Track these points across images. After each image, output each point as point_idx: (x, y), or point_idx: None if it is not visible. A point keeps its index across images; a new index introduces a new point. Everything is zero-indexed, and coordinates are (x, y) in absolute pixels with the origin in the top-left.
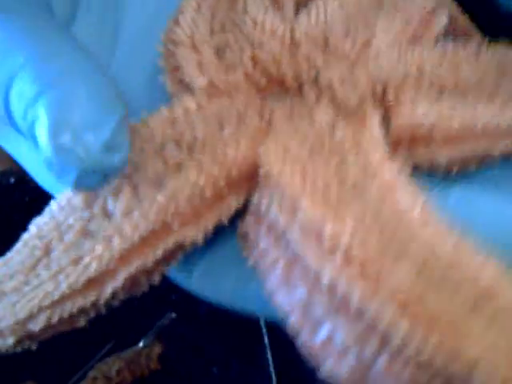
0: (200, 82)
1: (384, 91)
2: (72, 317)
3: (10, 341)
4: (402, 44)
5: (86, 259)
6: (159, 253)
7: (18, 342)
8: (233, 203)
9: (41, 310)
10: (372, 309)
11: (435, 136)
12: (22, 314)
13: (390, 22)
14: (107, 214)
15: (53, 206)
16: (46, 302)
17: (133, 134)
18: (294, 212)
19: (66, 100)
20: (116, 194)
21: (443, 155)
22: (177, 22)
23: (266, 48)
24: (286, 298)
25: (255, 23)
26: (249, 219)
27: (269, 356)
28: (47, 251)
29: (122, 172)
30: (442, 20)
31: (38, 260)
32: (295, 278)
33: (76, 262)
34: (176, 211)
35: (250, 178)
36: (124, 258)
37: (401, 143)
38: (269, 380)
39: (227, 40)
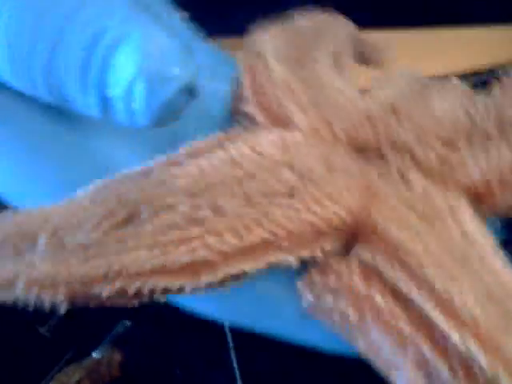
0: (303, 121)
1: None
2: (138, 295)
3: (61, 297)
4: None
5: (195, 243)
6: (259, 266)
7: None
8: (328, 244)
9: (118, 275)
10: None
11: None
12: (93, 272)
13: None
14: (217, 210)
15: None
16: (131, 270)
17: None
18: (420, 279)
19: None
20: (228, 194)
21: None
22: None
23: (348, 116)
24: (401, 353)
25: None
26: (355, 274)
27: (233, 358)
28: (135, 218)
29: None
30: None
31: (122, 223)
32: (419, 338)
33: (181, 242)
34: (288, 229)
35: (353, 229)
36: (228, 256)
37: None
38: (234, 382)
39: (317, 95)
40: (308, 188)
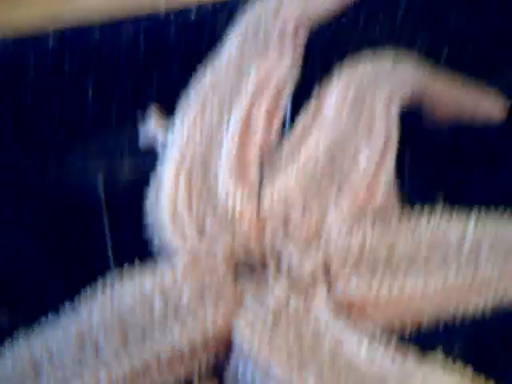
0: (184, 258)
1: (329, 267)
2: None
3: None
4: (351, 220)
5: None
6: None
7: None
8: (203, 363)
9: None
10: None
11: (368, 304)
12: None
13: (340, 196)
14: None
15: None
16: None
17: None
18: (267, 376)
19: None
20: (109, 333)
21: (378, 320)
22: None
23: (238, 232)
24: None
25: (227, 195)
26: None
27: None
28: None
29: None
30: (385, 186)
31: None
32: None
33: None
34: (159, 360)
35: (222, 343)
36: None
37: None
38: None
39: (205, 214)
40: (175, 316)
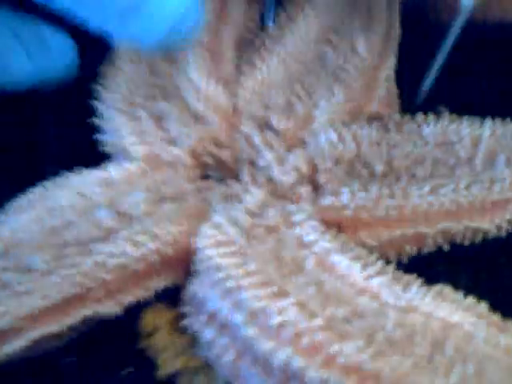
0: (140, 150)
1: (315, 170)
2: None
3: None
4: (341, 120)
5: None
6: (74, 321)
7: None
8: (160, 282)
9: None
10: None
11: (361, 220)
12: None
13: (331, 91)
14: (25, 269)
15: None
16: None
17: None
18: (237, 296)
19: None
20: (41, 247)
21: (374, 238)
22: (107, 87)
23: (209, 123)
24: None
25: (198, 92)
26: (188, 310)
27: None
28: None
29: None
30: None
31: None
32: (247, 364)
33: None
34: (103, 278)
35: (183, 260)
36: (36, 318)
37: (331, 223)
38: None
39: (170, 109)
40: (127, 226)
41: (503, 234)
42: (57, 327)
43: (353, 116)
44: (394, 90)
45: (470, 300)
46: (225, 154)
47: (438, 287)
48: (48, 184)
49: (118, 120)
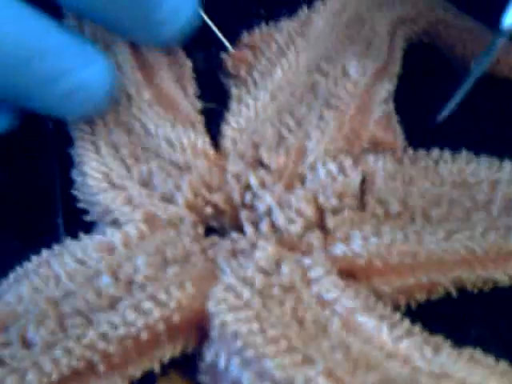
0: (135, 215)
1: (322, 211)
2: None
3: None
4: (338, 149)
5: None
6: None
7: None
8: (168, 352)
9: None
10: None
11: (373, 267)
12: None
13: (322, 119)
14: (25, 343)
15: None
16: None
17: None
18: (260, 365)
19: None
20: (40, 321)
21: (386, 285)
22: (84, 174)
23: (194, 169)
24: None
25: (171, 144)
26: (205, 380)
27: None
28: None
29: None
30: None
31: None
32: None
33: None
34: (105, 351)
35: (192, 326)
36: None
37: (344, 270)
38: None
39: (150, 169)
40: (129, 294)
41: None
42: None
43: (349, 143)
44: (392, 113)
45: (503, 365)
46: (219, 198)
47: (468, 351)
48: (44, 252)
49: (104, 198)
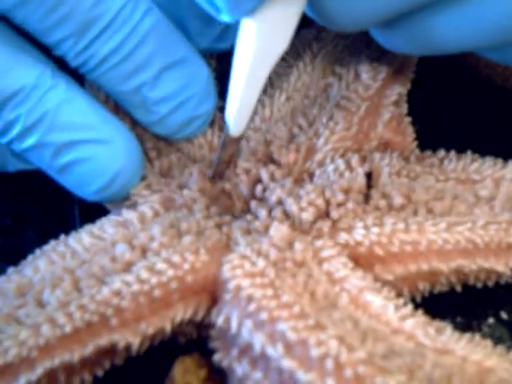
0: (153, 198)
1: (328, 204)
2: None
3: None
4: (346, 148)
5: (6, 343)
6: (88, 351)
7: None
8: (179, 312)
9: None
10: None
11: (375, 255)
12: None
13: (332, 120)
14: (41, 304)
15: None
16: None
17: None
18: (273, 327)
19: None
20: (55, 285)
21: (389, 273)
22: None
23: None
24: None
25: (190, 141)
26: (217, 345)
27: None
28: None
29: None
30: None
31: None
32: None
33: None
34: (118, 306)
35: (205, 290)
36: (48, 349)
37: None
38: None
39: (170, 162)
40: (146, 258)
41: None
42: (71, 358)
43: (358, 143)
44: (404, 115)
45: (501, 348)
46: (229, 187)
47: (468, 334)
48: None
49: None
